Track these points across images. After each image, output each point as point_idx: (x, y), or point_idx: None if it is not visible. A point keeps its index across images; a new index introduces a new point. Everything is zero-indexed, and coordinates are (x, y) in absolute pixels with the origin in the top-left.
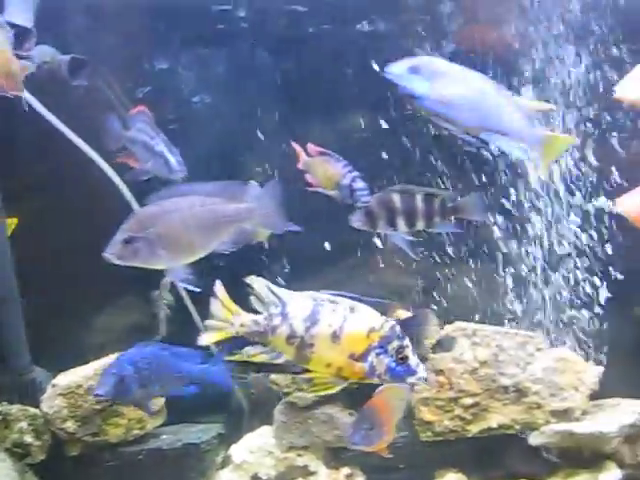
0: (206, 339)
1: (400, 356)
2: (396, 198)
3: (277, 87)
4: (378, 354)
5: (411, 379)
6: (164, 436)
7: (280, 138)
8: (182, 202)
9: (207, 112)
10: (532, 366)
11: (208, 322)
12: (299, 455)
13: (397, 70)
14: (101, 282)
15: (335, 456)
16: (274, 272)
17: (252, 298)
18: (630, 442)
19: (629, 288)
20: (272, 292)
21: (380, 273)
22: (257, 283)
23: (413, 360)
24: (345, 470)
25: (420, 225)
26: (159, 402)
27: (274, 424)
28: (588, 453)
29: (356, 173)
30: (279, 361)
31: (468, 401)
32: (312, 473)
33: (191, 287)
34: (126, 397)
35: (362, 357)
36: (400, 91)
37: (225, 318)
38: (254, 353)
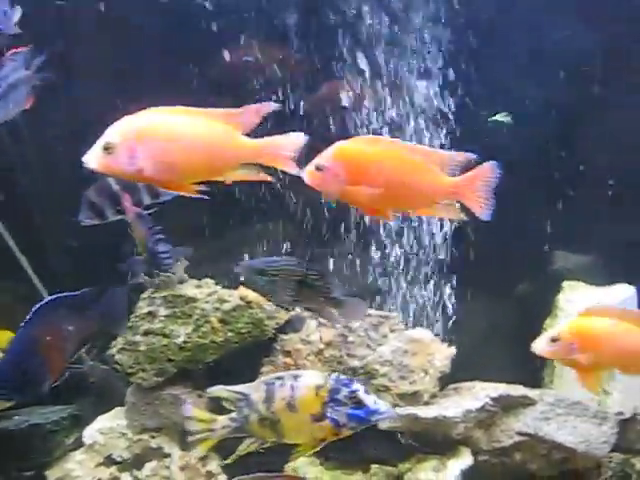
0: (201, 451)
1: (354, 401)
2: (112, 181)
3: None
4: (333, 407)
5: (376, 417)
6: (16, 417)
7: None
8: None
9: None
10: (382, 347)
11: (194, 438)
12: (152, 437)
13: None
14: None
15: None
16: None
17: (223, 402)
18: (484, 427)
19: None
20: (232, 391)
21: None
22: (218, 391)
23: (369, 400)
24: (198, 452)
25: (147, 200)
26: None
27: (125, 405)
28: (440, 438)
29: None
30: (266, 446)
31: None
32: (167, 455)
33: None
34: None
35: (322, 415)
36: None
37: (205, 429)
38: (246, 448)
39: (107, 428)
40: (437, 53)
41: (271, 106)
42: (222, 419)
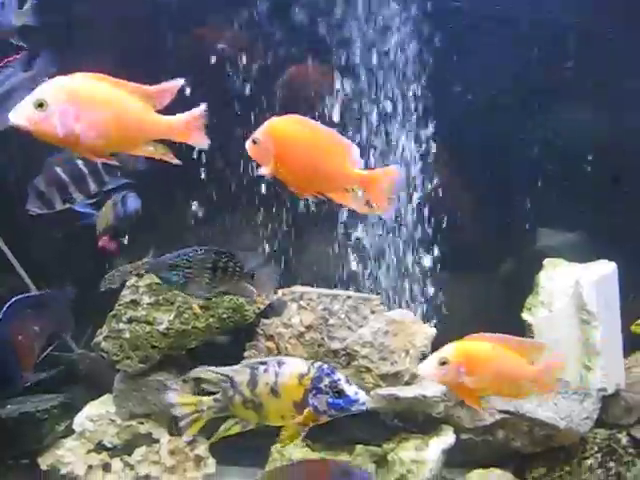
0: (191, 433)
1: (335, 390)
2: (60, 170)
3: None
4: (315, 394)
5: (356, 407)
6: (9, 405)
7: None
8: None
9: None
10: (363, 329)
11: (184, 423)
12: (141, 423)
13: None
14: None
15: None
16: None
17: (205, 385)
18: (467, 406)
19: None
20: (216, 372)
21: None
22: (202, 372)
23: (350, 390)
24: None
25: (93, 188)
26: None
27: (114, 392)
28: (421, 417)
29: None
30: (250, 428)
31: None
32: (156, 440)
33: None
34: None
35: (304, 402)
36: None
37: (193, 411)
38: (227, 429)
39: (97, 415)
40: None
41: (179, 82)
42: (207, 400)
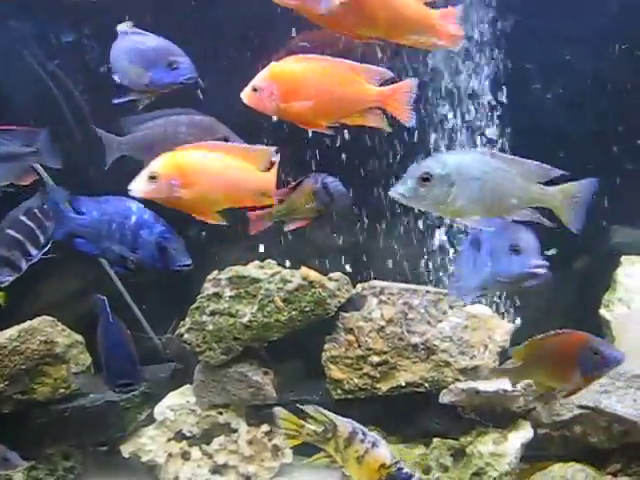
0: (291, 444)
1: None
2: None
3: None
4: None
5: None
6: (92, 395)
7: None
8: None
9: None
10: (442, 324)
11: (284, 435)
12: (220, 413)
13: None
14: None
15: (255, 413)
16: None
17: (309, 420)
18: (544, 401)
19: None
20: (323, 414)
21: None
22: (310, 409)
23: None
24: (264, 427)
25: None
26: (86, 362)
27: (194, 383)
28: (500, 412)
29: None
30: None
31: (375, 359)
32: (234, 430)
33: None
34: None
35: None
36: None
37: (294, 430)
38: (317, 458)
39: (177, 405)
40: None
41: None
42: (308, 428)
